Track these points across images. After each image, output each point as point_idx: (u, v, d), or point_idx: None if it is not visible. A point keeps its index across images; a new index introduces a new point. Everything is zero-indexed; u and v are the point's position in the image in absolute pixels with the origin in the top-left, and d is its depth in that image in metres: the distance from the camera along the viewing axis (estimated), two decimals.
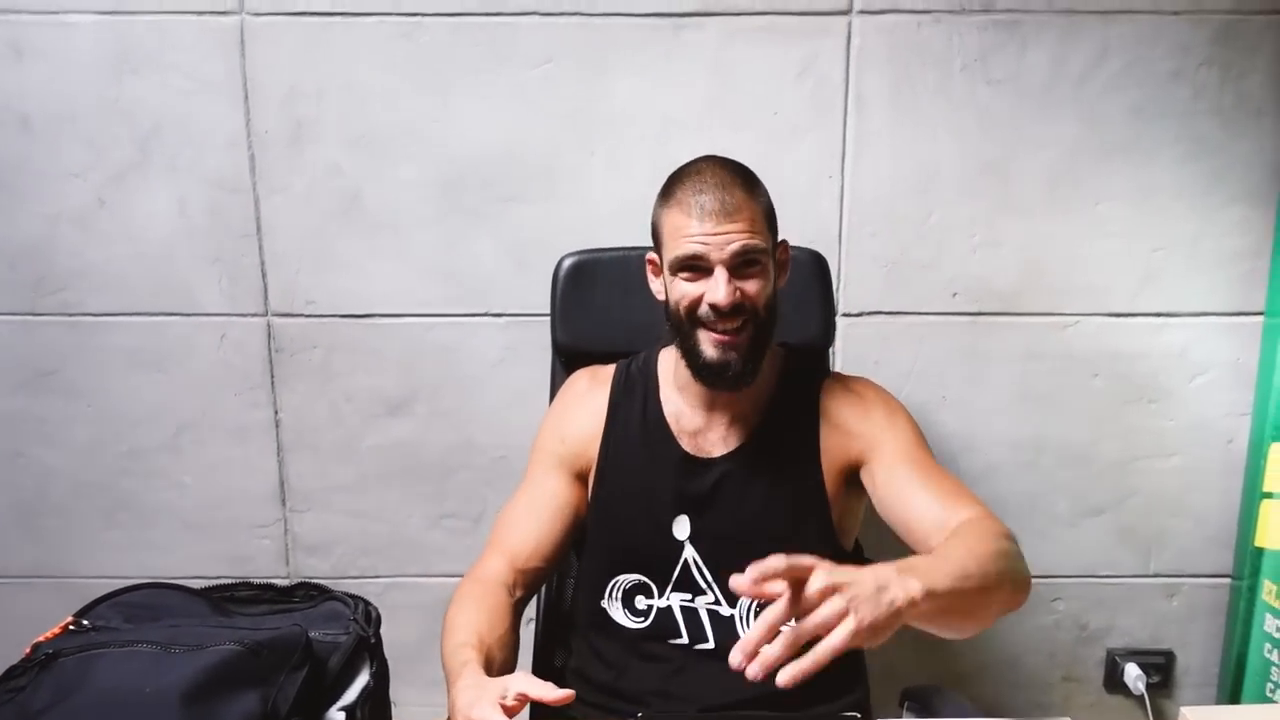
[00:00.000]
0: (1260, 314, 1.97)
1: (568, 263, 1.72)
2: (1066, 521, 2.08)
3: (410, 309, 1.98)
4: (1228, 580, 2.10)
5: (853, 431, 1.46)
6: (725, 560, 1.41)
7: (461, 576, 2.04)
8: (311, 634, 1.06)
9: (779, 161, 1.90)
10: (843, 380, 1.53)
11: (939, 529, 1.31)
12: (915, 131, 1.91)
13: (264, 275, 1.96)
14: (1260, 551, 1.92)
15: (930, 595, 1.05)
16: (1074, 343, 1.99)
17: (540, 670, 1.61)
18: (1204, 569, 2.10)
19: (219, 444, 2.04)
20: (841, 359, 1.98)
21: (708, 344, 1.37)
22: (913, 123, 1.91)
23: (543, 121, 1.91)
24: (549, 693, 1.13)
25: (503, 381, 2.01)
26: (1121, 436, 2.04)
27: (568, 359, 1.73)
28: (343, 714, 1.00)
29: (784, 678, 0.99)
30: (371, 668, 1.06)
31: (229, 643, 0.97)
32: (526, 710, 1.46)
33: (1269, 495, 1.90)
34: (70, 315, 1.98)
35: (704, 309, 1.36)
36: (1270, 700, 1.91)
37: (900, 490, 1.39)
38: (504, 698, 1.12)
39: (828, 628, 0.99)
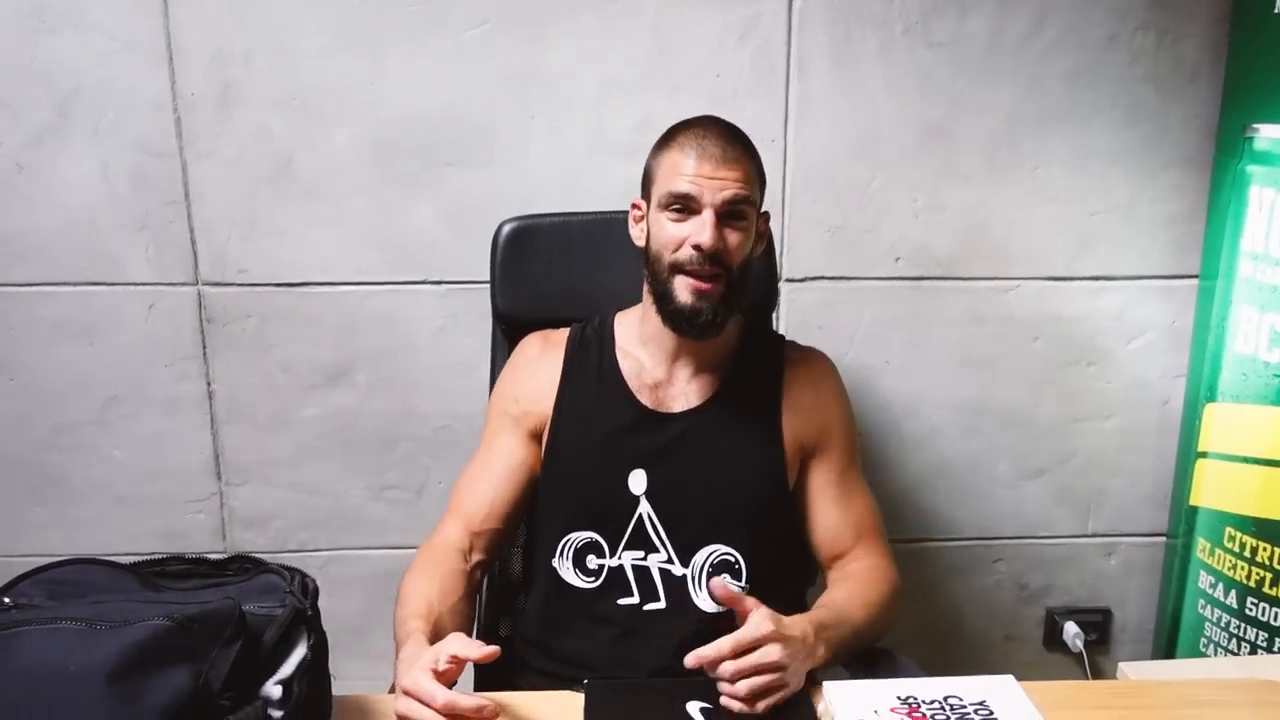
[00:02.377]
0: (1195, 277, 2.00)
1: (507, 229, 1.68)
2: (1007, 483, 2.10)
3: (347, 277, 1.93)
4: (1163, 539, 2.14)
5: (811, 419, 1.48)
6: (680, 517, 1.43)
7: (403, 548, 2.05)
8: (246, 607, 1.02)
9: None
10: (803, 356, 1.55)
11: (833, 547, 1.48)
12: (857, 95, 1.90)
13: (193, 243, 1.90)
14: (1195, 510, 1.96)
15: (830, 659, 1.28)
16: (1015, 306, 2.01)
17: (486, 638, 1.59)
18: (1140, 528, 2.14)
19: (150, 417, 1.98)
20: (785, 324, 1.97)
21: (683, 289, 1.38)
22: (854, 86, 1.90)
23: (480, 85, 1.87)
24: (475, 650, 1.15)
25: (444, 350, 1.97)
26: (1061, 399, 2.06)
27: (508, 326, 1.70)
28: (279, 688, 0.97)
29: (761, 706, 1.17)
30: (309, 640, 1.03)
31: (157, 618, 0.93)
32: (471, 677, 1.46)
33: (1204, 455, 1.93)
34: None
35: (685, 250, 1.36)
36: (1204, 654, 1.95)
37: (824, 501, 1.48)
38: (436, 663, 1.13)
39: (767, 670, 1.17)
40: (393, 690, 1.20)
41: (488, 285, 1.89)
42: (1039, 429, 2.07)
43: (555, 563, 1.46)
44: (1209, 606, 1.94)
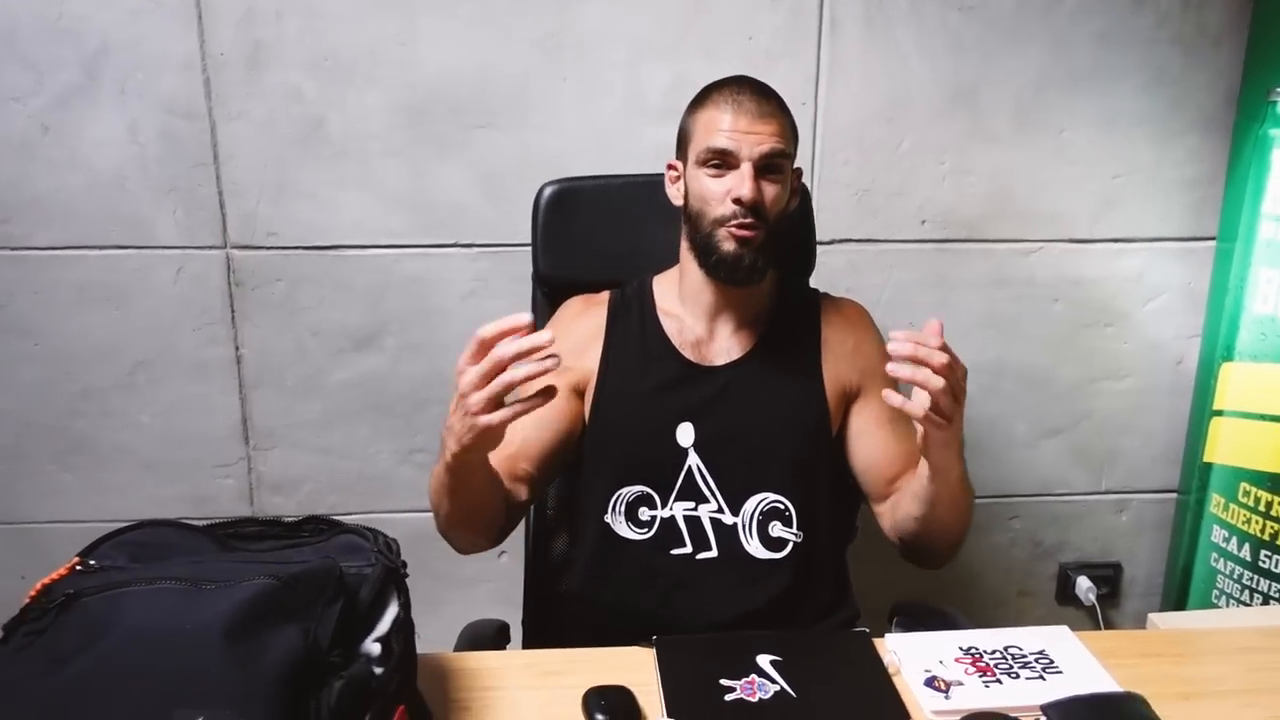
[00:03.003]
0: (1212, 239, 2.04)
1: (548, 191, 1.68)
2: (1025, 443, 2.15)
3: (377, 240, 1.93)
4: (1174, 495, 2.20)
5: (852, 363, 1.50)
6: (728, 467, 1.45)
7: (430, 511, 2.05)
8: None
9: None
10: (837, 305, 1.57)
11: (890, 469, 1.47)
12: (888, 57, 1.91)
13: (222, 206, 1.89)
14: (1209, 467, 2.01)
15: (960, 465, 1.31)
16: (1036, 269, 2.04)
17: (537, 557, 1.63)
18: (1152, 485, 2.20)
19: (178, 382, 1.97)
20: (813, 286, 1.98)
21: (726, 239, 1.40)
22: (885, 48, 1.91)
23: (513, 46, 1.86)
24: (507, 321, 1.16)
25: (473, 313, 1.98)
26: (1079, 359, 2.10)
27: (550, 289, 1.70)
28: (378, 645, 0.98)
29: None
30: (400, 598, 1.05)
31: (260, 577, 0.94)
32: (519, 636, 1.47)
33: (1219, 413, 1.98)
34: (14, 249, 1.88)
35: (726, 204, 1.38)
36: (1215, 606, 2.02)
37: (874, 431, 1.49)
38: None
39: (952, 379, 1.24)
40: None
41: (518, 248, 1.90)
42: (1057, 389, 2.12)
43: (608, 519, 1.47)
44: (1222, 559, 2.00)
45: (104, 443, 1.99)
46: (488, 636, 1.47)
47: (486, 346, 1.16)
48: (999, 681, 1.18)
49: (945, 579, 2.20)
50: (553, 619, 1.60)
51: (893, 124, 1.94)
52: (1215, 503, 2.01)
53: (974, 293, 2.04)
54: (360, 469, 2.05)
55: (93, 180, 1.85)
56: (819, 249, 1.96)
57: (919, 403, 1.22)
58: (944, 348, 1.22)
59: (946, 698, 1.15)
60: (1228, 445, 1.97)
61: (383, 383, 2.00)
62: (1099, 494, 2.20)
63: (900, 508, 1.42)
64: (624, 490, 1.47)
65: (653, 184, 1.63)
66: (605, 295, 1.56)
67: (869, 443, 1.49)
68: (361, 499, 2.06)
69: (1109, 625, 2.23)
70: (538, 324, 1.69)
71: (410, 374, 2.01)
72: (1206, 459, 2.02)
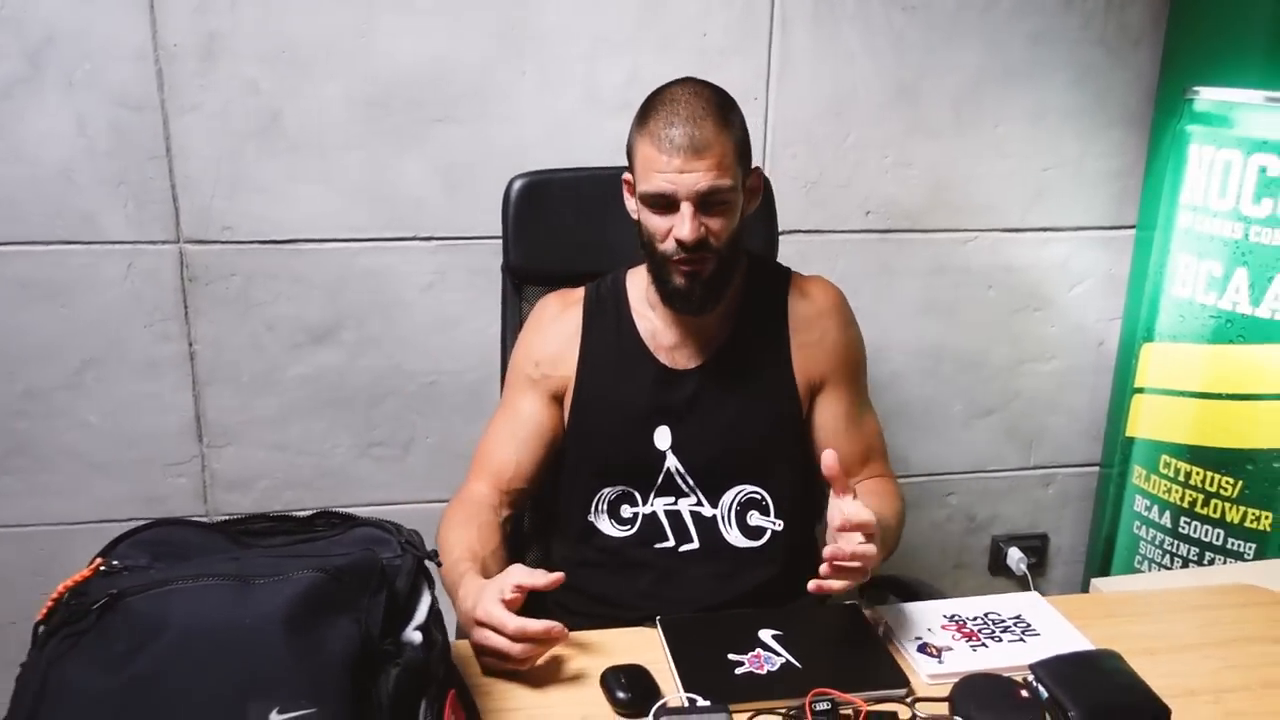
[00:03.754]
0: (1132, 227, 2.18)
1: (518, 184, 1.69)
2: (960, 422, 2.26)
3: (336, 234, 1.92)
4: (1096, 469, 2.34)
5: (818, 356, 1.53)
6: (705, 466, 1.49)
7: (391, 504, 2.06)
8: None
9: None
10: (805, 290, 1.57)
11: (849, 472, 1.47)
12: (835, 55, 1.99)
13: (175, 200, 1.85)
14: (1131, 441, 2.15)
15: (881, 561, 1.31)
16: (972, 257, 2.15)
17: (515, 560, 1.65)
18: (1076, 459, 2.34)
19: (128, 380, 1.93)
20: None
21: (675, 274, 1.41)
22: (833, 46, 1.98)
23: (472, 39, 1.87)
24: (540, 579, 1.22)
25: (432, 306, 1.99)
26: (1010, 342, 2.22)
27: (521, 281, 1.72)
28: (419, 633, 1.00)
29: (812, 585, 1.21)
30: (430, 588, 1.07)
31: (305, 570, 0.95)
32: None
33: (1140, 390, 2.12)
34: None
35: (669, 243, 1.38)
36: (1139, 570, 2.16)
37: (834, 430, 1.54)
38: (503, 593, 1.19)
39: (855, 558, 1.21)
40: (459, 636, 1.25)
41: (477, 241, 1.92)
42: (990, 371, 2.23)
43: (591, 517, 1.51)
44: (1144, 527, 2.13)
45: (48, 444, 1.93)
46: None
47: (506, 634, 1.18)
48: (985, 645, 1.26)
49: None
50: (534, 607, 1.63)
51: (840, 119, 2.02)
52: (1137, 474, 2.15)
53: (915, 280, 2.14)
54: (317, 464, 2.03)
55: (37, 174, 1.80)
56: None
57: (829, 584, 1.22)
58: (850, 526, 1.23)
59: (940, 662, 1.23)
60: (1149, 420, 2.11)
61: (340, 376, 2.00)
62: (1028, 469, 2.32)
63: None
64: (605, 490, 1.51)
65: (620, 177, 1.67)
66: (580, 293, 1.56)
67: (825, 442, 1.53)
68: (318, 494, 2.05)
69: (1039, 593, 2.36)
70: (508, 316, 1.72)
71: (369, 367, 2.00)
72: (1129, 434, 2.16)
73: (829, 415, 1.54)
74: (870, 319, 2.12)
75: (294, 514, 1.19)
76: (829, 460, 1.24)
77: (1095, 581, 1.74)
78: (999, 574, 2.38)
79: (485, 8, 1.85)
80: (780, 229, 2.04)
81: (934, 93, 2.03)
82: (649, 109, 1.40)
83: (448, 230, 1.95)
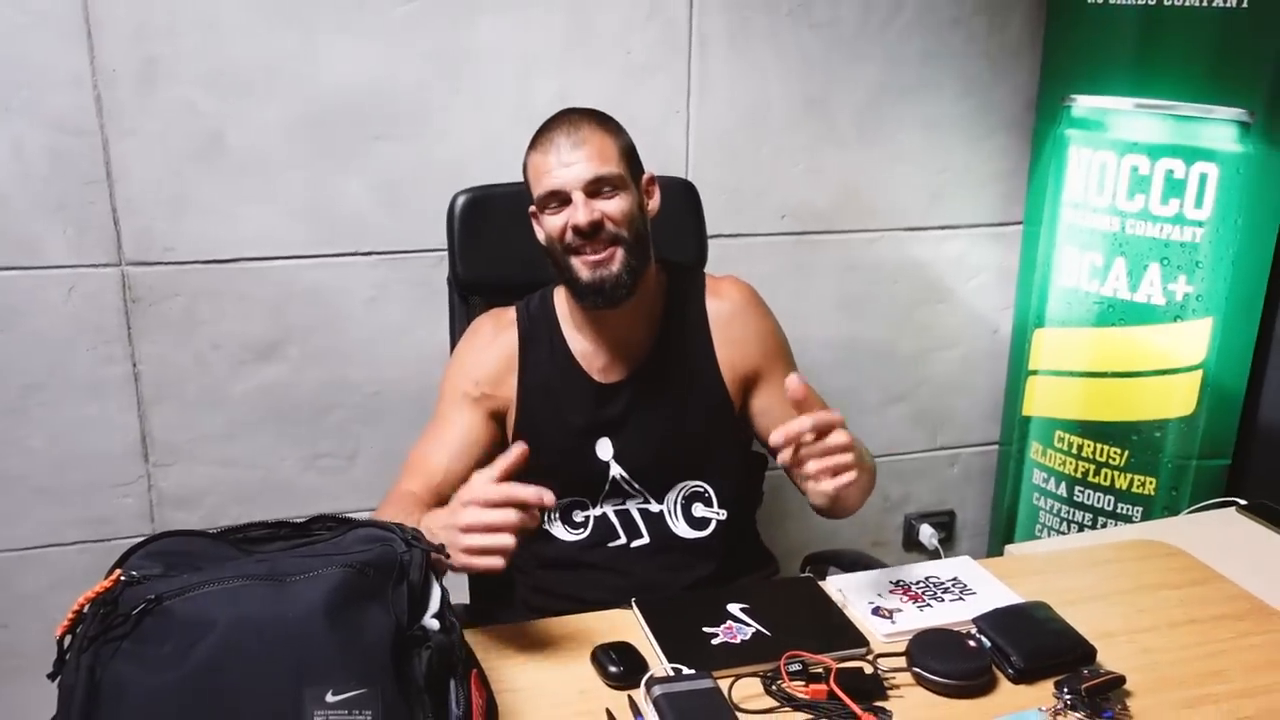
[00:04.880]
0: (1019, 224, 2.38)
1: (462, 199, 1.77)
2: (875, 409, 2.42)
3: (278, 252, 1.96)
4: (995, 447, 2.53)
5: (745, 350, 1.62)
6: (647, 470, 1.59)
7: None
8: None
9: (633, 98, 2.05)
10: (719, 290, 1.64)
11: None
12: (749, 71, 2.12)
13: (116, 223, 1.87)
14: (1028, 419, 2.35)
15: (866, 483, 1.49)
16: (880, 254, 2.31)
17: (482, 584, 1.72)
18: (977, 439, 2.53)
19: (72, 403, 1.93)
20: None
21: (582, 268, 1.47)
22: (747, 64, 2.11)
23: (408, 60, 1.94)
24: (513, 452, 1.27)
25: (375, 320, 2.04)
26: (917, 333, 2.40)
27: (468, 291, 1.80)
28: (436, 621, 1.08)
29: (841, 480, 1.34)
30: (439, 579, 1.15)
31: (335, 566, 1.02)
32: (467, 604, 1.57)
33: (1034, 372, 2.32)
34: None
35: (570, 235, 1.46)
36: (1039, 537, 2.35)
37: (781, 412, 1.55)
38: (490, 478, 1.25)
39: (834, 452, 1.33)
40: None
41: (417, 254, 2.00)
42: (900, 360, 2.40)
43: (545, 524, 1.59)
44: (1042, 498, 2.34)
45: None
46: None
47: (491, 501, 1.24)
48: (930, 605, 1.40)
49: (806, 535, 2.44)
50: (494, 594, 1.70)
51: (755, 130, 2.15)
52: (1034, 449, 2.35)
53: (829, 278, 2.29)
54: (264, 478, 2.07)
55: None
56: None
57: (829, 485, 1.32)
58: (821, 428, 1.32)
59: (892, 622, 1.36)
60: (1043, 400, 2.31)
61: (285, 391, 2.04)
62: (934, 450, 2.50)
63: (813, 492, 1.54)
64: (556, 503, 1.58)
65: None
66: (512, 315, 1.62)
67: (777, 419, 1.56)
68: (265, 508, 2.08)
69: None
70: (455, 327, 1.79)
71: (312, 381, 2.05)
72: (1025, 413, 2.35)
73: (773, 401, 1.61)
74: (789, 315, 2.25)
75: (291, 520, 1.26)
76: (792, 383, 1.35)
77: (1010, 548, 1.91)
78: (912, 549, 2.56)
79: (421, 30, 1.93)
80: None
81: (840, 105, 2.18)
82: (535, 137, 1.52)
83: (388, 245, 2.01)
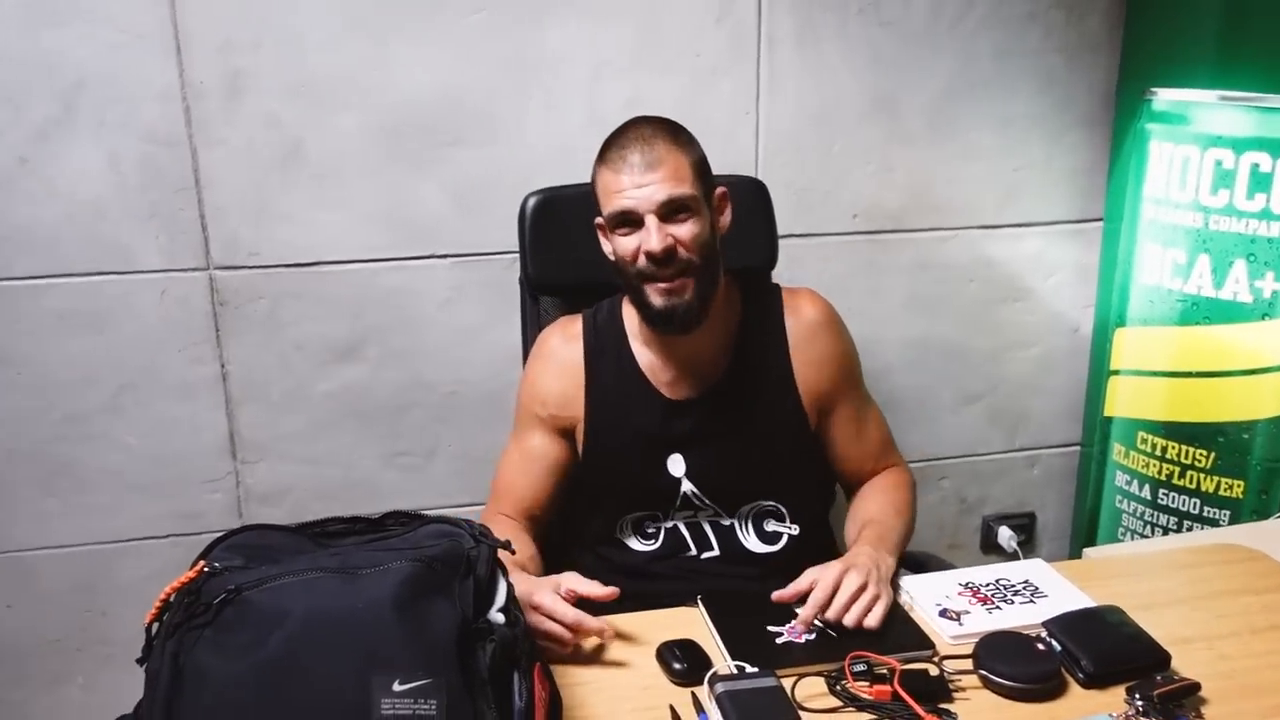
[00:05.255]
0: (1099, 220, 2.33)
1: (532, 201, 1.80)
2: (950, 409, 2.40)
3: (357, 255, 2.02)
4: (1077, 448, 2.49)
5: (822, 370, 1.60)
6: (721, 485, 1.59)
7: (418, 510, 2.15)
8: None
9: (702, 100, 2.07)
10: (798, 306, 1.63)
11: (858, 474, 1.66)
12: (818, 71, 2.12)
13: (204, 229, 1.95)
14: (1110, 420, 2.29)
15: (896, 562, 1.47)
16: (953, 253, 2.29)
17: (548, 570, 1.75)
18: (1058, 440, 2.48)
19: (164, 402, 2.01)
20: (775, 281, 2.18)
21: (654, 295, 1.46)
22: (816, 63, 2.11)
23: (480, 67, 1.98)
24: (597, 590, 1.33)
25: (450, 320, 2.09)
26: (992, 332, 2.36)
27: (539, 291, 1.83)
28: (501, 615, 1.11)
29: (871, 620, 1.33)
30: (505, 575, 1.18)
31: (404, 560, 1.06)
32: None
33: (1115, 372, 2.26)
34: None
35: (642, 261, 1.44)
36: (1122, 541, 2.30)
37: (845, 438, 1.64)
38: (558, 589, 1.31)
39: (857, 596, 1.34)
40: None
41: (491, 256, 2.03)
42: (975, 359, 2.37)
43: (618, 534, 1.62)
44: (1125, 500, 2.28)
45: (89, 466, 2.02)
46: None
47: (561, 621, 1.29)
48: (999, 608, 1.39)
49: None
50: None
51: (825, 129, 2.15)
52: (1117, 451, 2.29)
53: (900, 277, 2.28)
54: (345, 475, 2.13)
55: (73, 209, 1.88)
56: None
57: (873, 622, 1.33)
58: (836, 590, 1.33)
59: (960, 624, 1.35)
60: (1125, 400, 2.26)
61: (365, 391, 2.10)
62: (1013, 451, 2.47)
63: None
64: (629, 515, 1.61)
65: None
66: (579, 327, 1.62)
67: (838, 449, 1.64)
68: (346, 504, 2.14)
69: None
70: (527, 324, 1.82)
71: (391, 381, 2.10)
72: (1107, 413, 2.30)
73: (840, 426, 1.63)
74: (861, 315, 2.26)
75: (366, 515, 1.30)
76: (778, 597, 1.37)
77: (1088, 551, 1.88)
78: (991, 552, 2.52)
79: (492, 38, 1.97)
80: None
81: (910, 103, 2.17)
82: (605, 146, 1.50)
83: (462, 247, 2.05)
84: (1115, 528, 2.31)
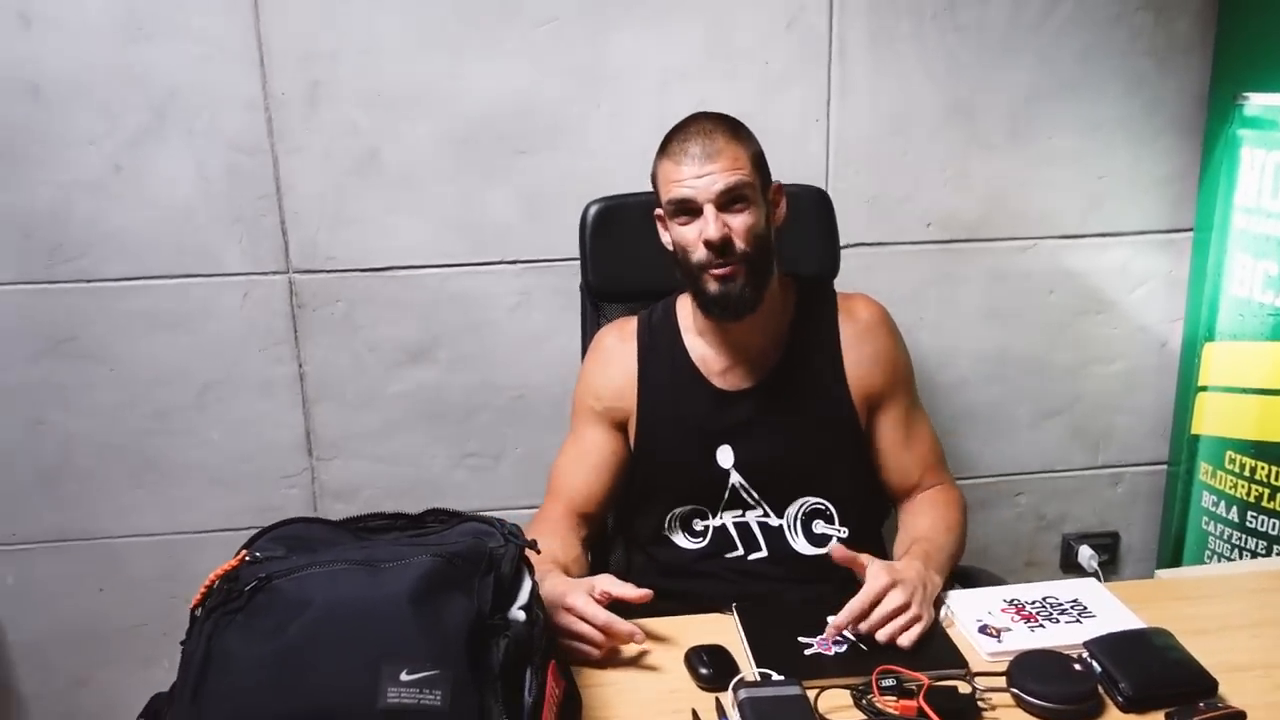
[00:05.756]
0: (1189, 230, 2.24)
1: (594, 209, 1.83)
2: (1027, 424, 2.33)
3: (429, 260, 2.08)
4: (1164, 467, 2.39)
5: (873, 371, 1.61)
6: (768, 481, 1.59)
7: (486, 513, 2.20)
8: None
9: (771, 107, 2.06)
10: (853, 309, 1.65)
11: (904, 484, 1.65)
12: (892, 76, 2.09)
13: (284, 234, 2.03)
14: (1197, 438, 2.20)
15: (942, 583, 1.44)
16: (1032, 263, 2.22)
17: (597, 567, 1.77)
18: (1143, 458, 2.39)
19: (245, 400, 2.10)
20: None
21: (709, 282, 1.50)
22: (889, 68, 2.08)
23: (550, 77, 2.02)
24: (630, 591, 1.34)
25: (519, 325, 2.13)
26: (1073, 345, 2.29)
27: (599, 298, 1.85)
28: (523, 612, 1.13)
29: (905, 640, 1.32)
30: (531, 574, 1.20)
31: (426, 555, 1.09)
32: None
33: (1204, 389, 2.17)
34: (90, 281, 2.01)
35: (700, 249, 1.48)
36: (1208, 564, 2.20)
37: (891, 444, 1.63)
38: (592, 591, 1.32)
39: (897, 613, 1.32)
40: None
41: (559, 263, 2.06)
42: (1054, 373, 2.30)
43: (665, 531, 1.63)
44: (1212, 522, 2.18)
45: (176, 460, 2.12)
46: None
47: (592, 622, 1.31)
48: (1042, 626, 1.35)
49: None
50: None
51: (898, 136, 2.12)
52: (1204, 471, 2.20)
53: (976, 288, 2.23)
54: (416, 474, 2.19)
55: (163, 214, 1.99)
56: None
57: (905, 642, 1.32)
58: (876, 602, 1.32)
59: (999, 641, 1.32)
60: (1213, 418, 2.16)
61: (436, 393, 2.15)
62: (1095, 469, 2.38)
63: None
64: (676, 509, 1.62)
65: None
66: (634, 325, 1.67)
67: (885, 457, 1.64)
68: (417, 503, 2.14)
69: None
70: (587, 332, 1.85)
71: (461, 383, 2.15)
72: (1194, 431, 2.21)
73: (888, 429, 1.63)
74: (935, 326, 2.24)
75: (407, 512, 1.34)
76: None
77: (1160, 572, 1.80)
78: (1070, 571, 2.44)
79: (562, 49, 2.00)
80: (846, 242, 2.15)
81: (988, 109, 2.12)
82: (666, 139, 1.55)
83: (531, 254, 2.09)
84: (1201, 551, 2.21)
